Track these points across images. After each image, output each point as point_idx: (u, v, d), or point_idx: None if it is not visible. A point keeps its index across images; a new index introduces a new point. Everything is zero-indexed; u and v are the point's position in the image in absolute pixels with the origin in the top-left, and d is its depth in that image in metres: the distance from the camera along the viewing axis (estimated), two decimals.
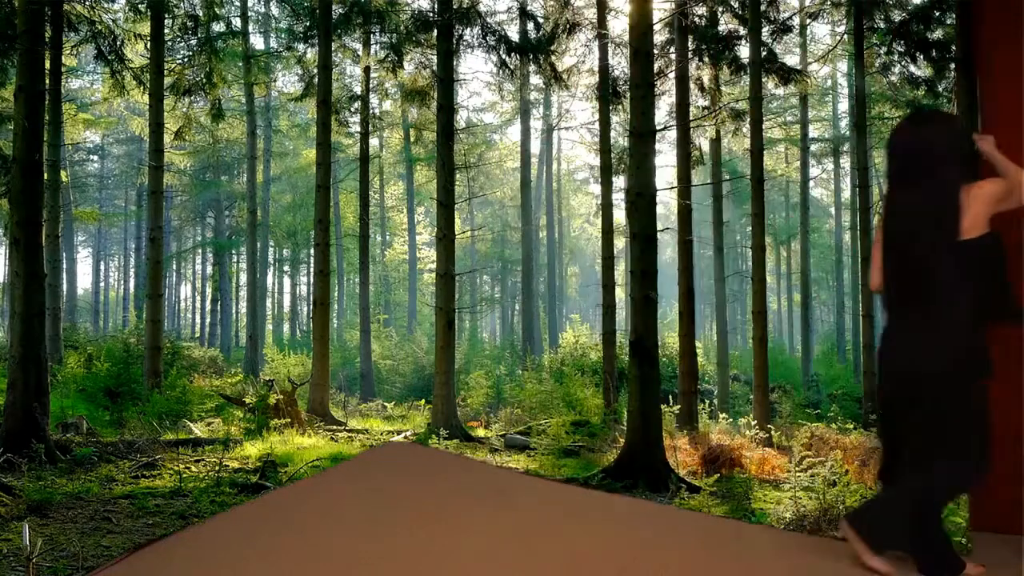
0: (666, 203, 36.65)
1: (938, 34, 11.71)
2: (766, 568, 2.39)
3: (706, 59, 11.94)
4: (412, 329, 26.25)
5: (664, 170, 46.04)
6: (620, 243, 24.48)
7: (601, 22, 12.21)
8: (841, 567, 2.37)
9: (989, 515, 2.93)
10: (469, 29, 10.93)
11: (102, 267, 45.53)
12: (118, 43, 11.77)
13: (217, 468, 7.07)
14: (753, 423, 9.83)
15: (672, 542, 2.54)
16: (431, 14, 11.27)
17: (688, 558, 2.43)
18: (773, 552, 2.55)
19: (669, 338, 18.45)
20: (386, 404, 15.45)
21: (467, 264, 31.29)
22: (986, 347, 2.33)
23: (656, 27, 10.70)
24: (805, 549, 2.64)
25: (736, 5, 11.84)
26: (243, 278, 33.36)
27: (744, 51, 11.99)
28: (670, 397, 11.15)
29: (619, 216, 18.82)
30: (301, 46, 15.76)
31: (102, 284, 45.88)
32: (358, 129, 17.34)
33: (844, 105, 27.73)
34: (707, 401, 15.32)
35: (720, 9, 11.93)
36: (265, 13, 24.62)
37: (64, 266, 23.27)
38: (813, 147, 25.32)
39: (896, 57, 12.57)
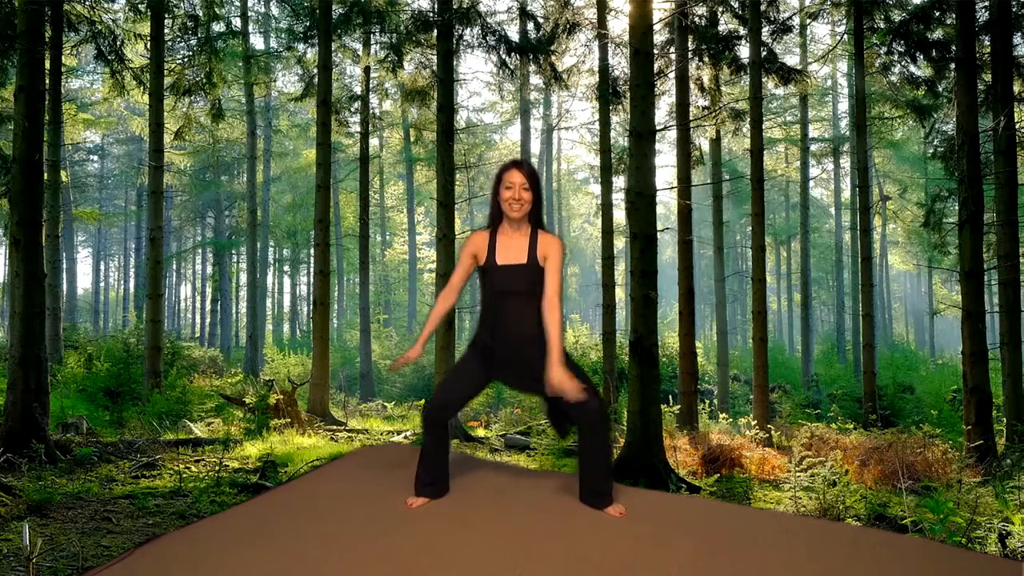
0: (666, 203, 36.72)
1: (938, 34, 11.71)
2: (779, 557, 2.38)
3: (706, 59, 11.94)
4: (412, 329, 26.26)
5: (664, 170, 46.16)
6: (620, 243, 24.50)
7: (601, 22, 12.21)
8: (847, 552, 2.37)
9: None
10: (469, 29, 10.92)
11: (102, 267, 45.55)
12: (118, 43, 11.77)
13: (217, 468, 7.07)
14: (753, 423, 9.83)
15: (675, 533, 2.54)
16: (431, 14, 11.26)
17: (691, 550, 2.42)
18: (778, 537, 2.55)
19: (669, 338, 18.46)
20: (386, 404, 15.45)
21: None
22: None
23: (656, 27, 10.70)
24: (812, 534, 2.63)
25: (736, 5, 11.84)
26: (243, 278, 33.39)
27: (744, 51, 12.00)
28: (670, 397, 11.16)
29: (619, 216, 18.86)
30: (301, 46, 15.77)
31: (102, 284, 45.91)
32: (358, 129, 17.35)
33: (844, 105, 27.75)
34: (707, 401, 15.34)
35: (720, 9, 11.93)
36: (265, 13, 24.62)
37: (64, 266, 23.29)
38: (813, 147, 25.33)
39: (896, 57, 12.57)
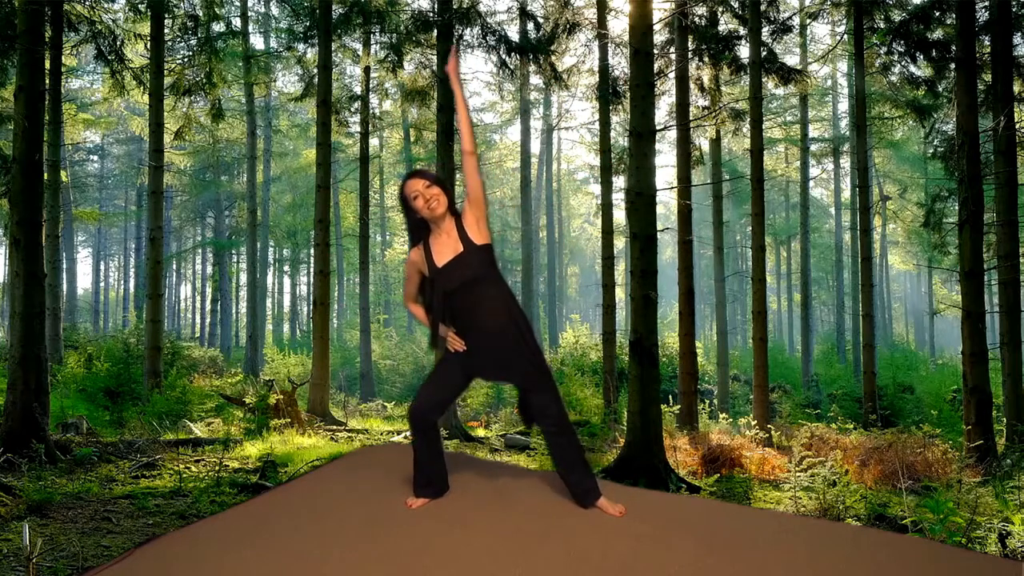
0: (666, 203, 36.71)
1: (938, 34, 11.71)
2: (773, 556, 2.38)
3: (706, 59, 11.94)
4: (412, 329, 26.24)
5: (664, 170, 46.13)
6: (620, 243, 24.49)
7: (601, 22, 12.21)
8: (847, 552, 2.36)
9: None
10: (469, 29, 10.92)
11: (102, 267, 45.54)
12: (118, 43, 11.77)
13: (217, 468, 7.07)
14: (753, 423, 9.83)
15: (675, 533, 2.54)
16: (431, 14, 11.26)
17: (691, 550, 2.42)
18: (778, 537, 2.54)
19: (669, 338, 18.45)
20: (386, 404, 15.45)
21: None
22: None
23: (656, 27, 10.70)
24: (811, 534, 2.63)
25: (736, 5, 11.84)
26: (243, 278, 33.38)
27: (744, 51, 12.00)
28: (670, 397, 11.15)
29: (619, 216, 18.85)
30: (301, 46, 15.77)
31: (102, 284, 45.89)
32: (358, 129, 17.35)
33: (844, 105, 27.75)
34: (707, 401, 15.34)
35: (720, 9, 11.93)
36: (265, 13, 24.62)
37: (64, 266, 23.28)
38: (813, 147, 25.32)
39: (896, 57, 12.57)
